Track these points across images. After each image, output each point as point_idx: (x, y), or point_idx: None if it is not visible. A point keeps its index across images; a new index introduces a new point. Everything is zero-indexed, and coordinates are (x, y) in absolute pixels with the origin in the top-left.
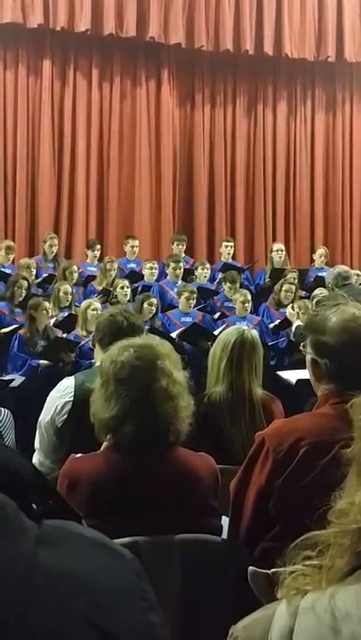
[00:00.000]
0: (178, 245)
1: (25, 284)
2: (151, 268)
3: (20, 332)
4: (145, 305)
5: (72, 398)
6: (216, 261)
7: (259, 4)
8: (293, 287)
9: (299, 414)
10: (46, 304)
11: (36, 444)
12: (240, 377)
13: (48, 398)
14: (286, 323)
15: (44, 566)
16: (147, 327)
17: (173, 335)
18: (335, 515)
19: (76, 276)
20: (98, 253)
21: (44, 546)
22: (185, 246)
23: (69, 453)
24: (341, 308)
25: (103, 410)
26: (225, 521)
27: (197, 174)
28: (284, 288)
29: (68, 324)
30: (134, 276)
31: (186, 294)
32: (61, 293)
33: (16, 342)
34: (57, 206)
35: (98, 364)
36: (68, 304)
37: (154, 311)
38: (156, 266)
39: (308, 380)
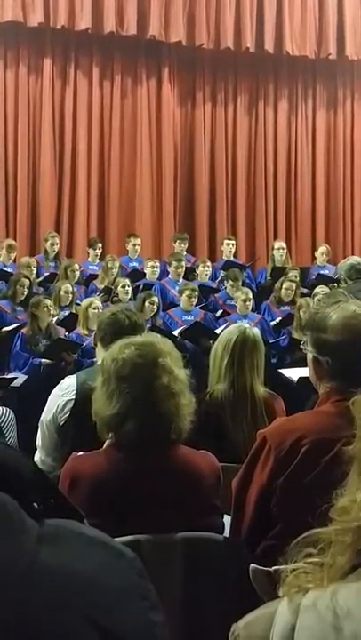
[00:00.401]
0: (180, 244)
1: (27, 282)
2: (153, 267)
3: (22, 330)
4: (146, 303)
5: (74, 397)
6: (218, 259)
7: (259, 1)
8: (294, 285)
9: (300, 412)
10: (48, 301)
11: (38, 442)
12: (242, 375)
13: (50, 396)
14: (287, 320)
15: (46, 565)
16: (148, 325)
17: (175, 333)
18: (337, 512)
19: (77, 274)
20: (99, 252)
21: (45, 545)
22: (187, 245)
23: (71, 452)
24: (342, 305)
25: (105, 408)
26: (227, 519)
27: (198, 172)
28: (284, 286)
29: (70, 323)
30: (136, 275)
31: (187, 292)
32: (62, 292)
33: (18, 341)
34: (58, 205)
35: (99, 362)
36: (68, 303)
37: (155, 309)
38: (158, 264)
39: (310, 377)
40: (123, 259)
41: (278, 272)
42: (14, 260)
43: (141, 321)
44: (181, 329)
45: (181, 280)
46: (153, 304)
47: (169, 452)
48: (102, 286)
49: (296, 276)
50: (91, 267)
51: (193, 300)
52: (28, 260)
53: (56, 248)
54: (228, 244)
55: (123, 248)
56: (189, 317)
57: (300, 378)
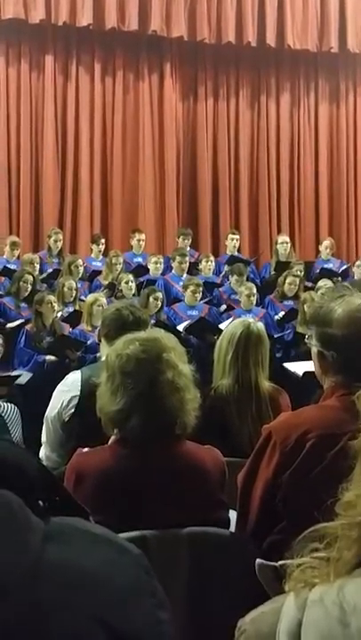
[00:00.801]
0: (183, 239)
1: (30, 279)
2: (156, 262)
3: (26, 327)
4: (150, 299)
5: (79, 392)
6: (221, 254)
7: None
8: (297, 280)
9: (305, 407)
10: (51, 297)
11: (43, 439)
12: (246, 370)
13: (54, 393)
14: (291, 315)
15: (52, 563)
16: (152, 321)
17: (180, 328)
18: (343, 507)
19: (81, 270)
20: (102, 248)
21: (50, 543)
22: (190, 240)
23: (76, 448)
24: (347, 299)
25: (109, 403)
26: (232, 514)
27: (201, 167)
28: (287, 281)
29: (74, 319)
30: (140, 271)
31: (192, 288)
32: (66, 289)
33: (23, 337)
34: (61, 201)
35: (104, 358)
36: (72, 299)
37: (159, 305)
38: (162, 260)
39: (314, 371)
40: (127, 254)
41: (282, 266)
42: (18, 257)
43: (145, 317)
44: (186, 324)
45: (185, 275)
46: (157, 300)
47: (174, 447)
48: (106, 282)
49: (300, 271)
50: (94, 263)
51: (197, 295)
52: (31, 256)
53: (59, 244)
54: (233, 239)
55: (126, 244)
56: (194, 312)
57: (305, 372)
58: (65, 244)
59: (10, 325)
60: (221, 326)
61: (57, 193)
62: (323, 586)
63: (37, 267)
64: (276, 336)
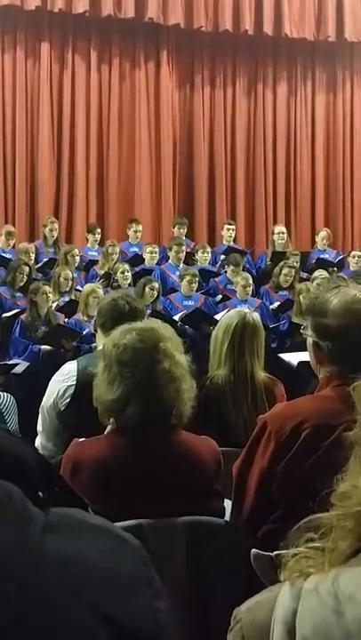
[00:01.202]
0: (179, 229)
1: (26, 269)
2: (151, 252)
3: (21, 317)
4: (147, 289)
5: (75, 382)
6: (217, 244)
7: None
8: (293, 270)
9: (301, 397)
10: (47, 288)
11: (39, 428)
12: (242, 360)
13: (50, 382)
14: (286, 305)
15: (51, 554)
16: (148, 311)
17: (176, 318)
18: (338, 497)
19: (77, 259)
20: (98, 237)
21: (50, 533)
22: (186, 229)
23: (72, 437)
24: (342, 290)
25: (106, 393)
26: (227, 504)
27: (197, 156)
28: (283, 271)
29: (70, 309)
30: (136, 261)
31: (188, 278)
32: (62, 279)
33: (18, 327)
34: (57, 190)
35: (100, 348)
36: (68, 289)
37: (155, 295)
38: (157, 249)
39: (309, 361)
40: (123, 244)
41: (278, 257)
42: (13, 247)
43: (141, 307)
44: (182, 314)
45: (182, 265)
46: (153, 290)
47: (170, 437)
48: (102, 272)
49: (296, 262)
50: (90, 252)
51: (193, 285)
52: (27, 245)
53: (55, 234)
54: (229, 229)
55: (122, 233)
56: (190, 303)
57: (299, 362)
58: (60, 233)
59: (5, 315)
60: (217, 317)
61: (52, 182)
62: (318, 575)
63: (33, 256)
64: (271, 326)
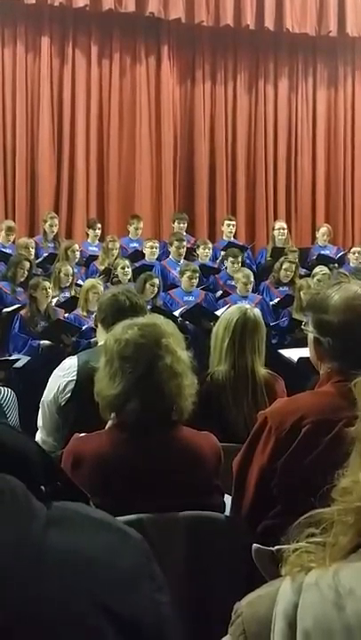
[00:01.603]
0: (179, 224)
1: (27, 264)
2: (152, 247)
3: (21, 312)
4: (147, 285)
5: (75, 377)
6: (218, 240)
7: None
8: (293, 266)
9: (301, 393)
10: (46, 283)
11: (39, 423)
12: (242, 356)
13: (51, 377)
14: (286, 301)
15: (54, 549)
16: (149, 307)
17: (176, 314)
18: (339, 493)
19: (77, 255)
20: (99, 232)
21: (53, 528)
22: (186, 225)
23: (72, 432)
24: (344, 286)
25: (107, 388)
26: (227, 499)
27: (198, 151)
28: (283, 267)
29: (70, 305)
30: (136, 256)
31: (188, 273)
32: (62, 274)
33: (17, 322)
34: (57, 185)
35: (101, 343)
36: (68, 284)
37: (156, 291)
38: (157, 245)
39: (310, 357)
40: (123, 239)
41: (278, 252)
42: (13, 242)
43: (142, 302)
44: (182, 310)
45: (182, 261)
46: (153, 285)
47: (171, 432)
48: (103, 267)
49: (295, 258)
50: (90, 247)
51: (194, 281)
52: (27, 240)
53: (55, 229)
54: (229, 225)
55: (122, 229)
56: (190, 298)
57: (300, 358)
58: (61, 228)
59: (5, 310)
60: (217, 313)
61: (53, 177)
62: (319, 570)
63: (33, 251)
64: (272, 323)
